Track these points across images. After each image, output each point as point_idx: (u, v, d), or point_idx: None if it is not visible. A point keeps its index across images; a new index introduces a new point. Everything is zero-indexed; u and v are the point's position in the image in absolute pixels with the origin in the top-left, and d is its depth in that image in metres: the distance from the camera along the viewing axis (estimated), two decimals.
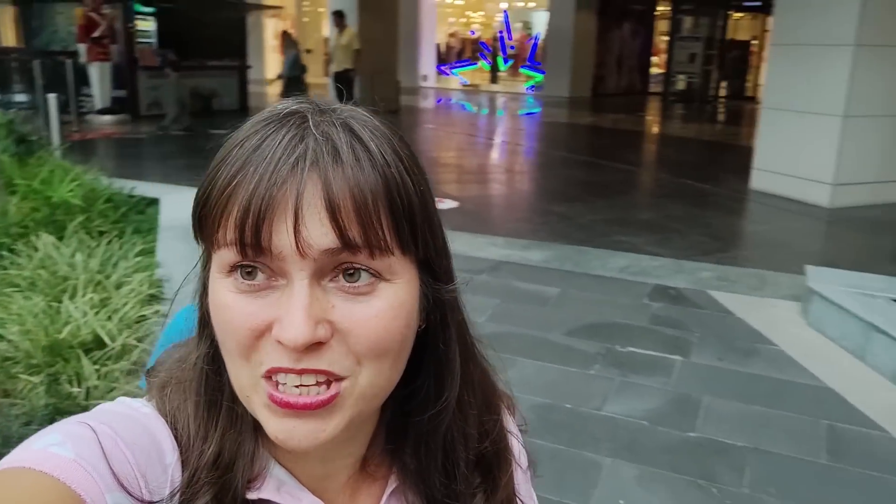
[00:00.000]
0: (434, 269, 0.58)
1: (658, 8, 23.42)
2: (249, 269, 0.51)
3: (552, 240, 6.03)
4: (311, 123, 0.52)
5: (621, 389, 3.59)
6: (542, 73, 22.34)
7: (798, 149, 7.65)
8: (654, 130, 15.42)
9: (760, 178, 8.14)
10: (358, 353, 0.52)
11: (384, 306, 0.52)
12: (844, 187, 7.39)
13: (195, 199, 0.55)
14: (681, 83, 20.83)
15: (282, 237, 0.49)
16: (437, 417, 0.62)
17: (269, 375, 0.51)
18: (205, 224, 0.54)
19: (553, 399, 3.47)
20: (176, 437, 0.57)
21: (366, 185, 0.51)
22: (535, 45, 24.33)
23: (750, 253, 6.14)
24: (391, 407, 0.62)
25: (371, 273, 0.52)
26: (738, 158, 9.75)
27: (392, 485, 0.65)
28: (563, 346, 4.03)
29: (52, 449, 0.48)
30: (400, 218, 0.53)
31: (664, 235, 6.26)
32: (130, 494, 0.50)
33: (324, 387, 0.51)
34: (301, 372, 0.50)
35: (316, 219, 0.49)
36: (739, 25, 22.51)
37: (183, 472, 0.55)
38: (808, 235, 6.70)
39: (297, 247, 0.49)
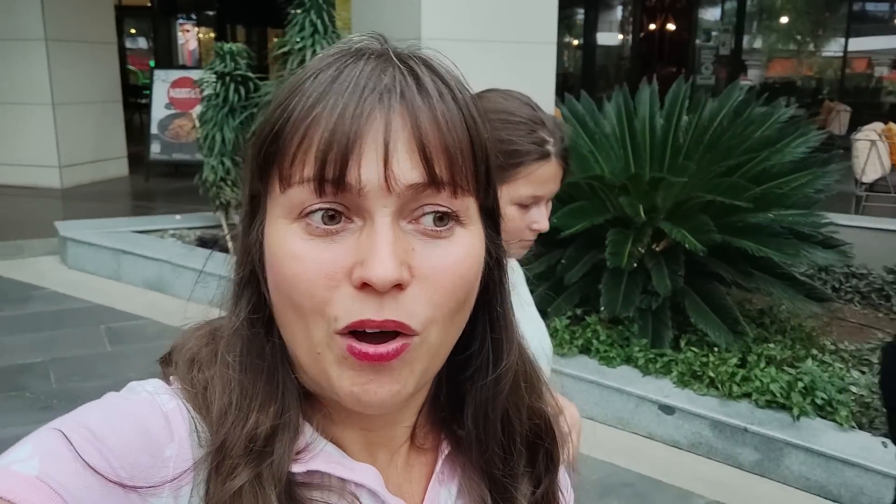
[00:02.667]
0: (495, 220, 0.56)
1: None
2: (331, 213, 0.48)
3: None
4: (392, 55, 0.50)
5: None
6: None
7: (19, 139, 8.11)
8: None
9: None
10: (435, 303, 0.49)
11: (462, 252, 0.50)
12: (70, 168, 8.24)
13: (258, 138, 0.51)
14: None
15: (370, 170, 0.46)
16: (497, 384, 0.58)
17: (347, 331, 0.48)
18: (271, 162, 0.50)
19: None
20: (204, 418, 0.52)
21: (451, 122, 0.49)
22: None
23: (28, 240, 6.44)
24: (443, 373, 0.58)
25: (451, 216, 0.49)
26: None
27: (444, 451, 0.61)
28: None
29: (14, 466, 0.43)
30: (479, 159, 0.51)
31: None
32: (118, 485, 0.46)
33: (398, 338, 0.48)
34: (383, 325, 0.47)
35: (405, 153, 0.47)
36: None
37: (209, 450, 0.50)
38: (49, 210, 7.33)
39: (386, 180, 0.46)
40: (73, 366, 3.71)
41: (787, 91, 12.77)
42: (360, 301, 0.47)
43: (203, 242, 5.16)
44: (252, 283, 0.54)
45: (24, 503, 0.41)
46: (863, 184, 6.19)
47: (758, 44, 13.30)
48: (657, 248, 3.85)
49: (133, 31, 20.52)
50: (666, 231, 3.58)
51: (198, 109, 5.27)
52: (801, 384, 3.34)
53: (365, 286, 0.46)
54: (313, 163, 0.47)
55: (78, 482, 0.44)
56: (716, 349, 3.60)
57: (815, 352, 3.77)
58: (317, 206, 0.47)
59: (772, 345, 3.74)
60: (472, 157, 0.50)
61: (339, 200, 0.47)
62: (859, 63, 12.50)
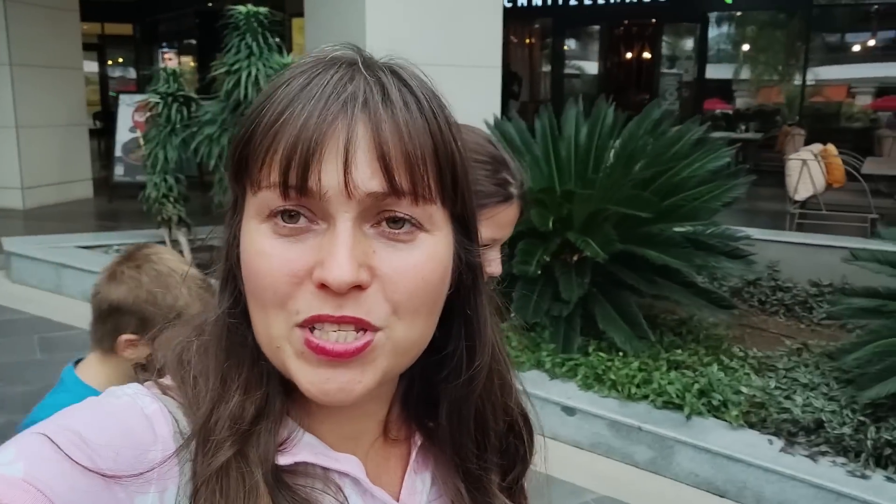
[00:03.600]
0: (467, 227, 0.57)
1: None
2: (292, 213, 0.49)
3: None
4: (360, 65, 0.52)
5: None
6: None
7: None
8: None
9: None
10: (395, 303, 0.50)
11: (423, 256, 0.51)
12: (33, 190, 8.37)
13: (235, 141, 0.53)
14: None
15: (330, 176, 0.48)
16: (470, 383, 0.60)
17: (306, 325, 0.49)
18: (244, 165, 0.52)
19: None
20: (194, 410, 0.53)
21: (414, 131, 0.50)
22: None
23: None
24: (418, 373, 0.61)
25: (412, 222, 0.51)
26: None
27: (417, 443, 0.64)
28: None
29: (0, 470, 0.44)
30: (444, 167, 0.52)
31: None
32: (113, 477, 0.47)
33: (360, 333, 0.50)
34: (340, 320, 0.49)
35: (365, 161, 0.48)
36: None
37: (194, 429, 0.52)
38: (6, 230, 7.45)
39: (346, 187, 0.48)
40: (1, 373, 3.82)
41: (748, 116, 13.10)
42: (321, 298, 0.49)
43: None
44: (231, 277, 0.56)
45: None
46: (795, 201, 6.39)
47: (722, 72, 13.62)
48: (571, 259, 4.02)
49: (121, 59, 20.82)
50: (571, 240, 3.74)
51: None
52: (696, 386, 3.49)
53: (324, 286, 0.48)
54: (278, 168, 0.48)
55: (64, 483, 0.44)
56: (620, 353, 3.75)
57: (722, 358, 3.92)
58: (281, 207, 0.49)
59: (679, 350, 3.90)
60: (437, 166, 0.51)
61: (303, 203, 0.49)
62: (817, 91, 12.84)
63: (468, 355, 0.60)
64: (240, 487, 0.50)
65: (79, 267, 4.89)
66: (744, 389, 3.51)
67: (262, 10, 4.54)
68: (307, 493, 0.54)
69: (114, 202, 8.72)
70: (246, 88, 4.33)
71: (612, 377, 3.59)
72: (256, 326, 0.53)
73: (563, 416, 3.54)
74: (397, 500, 0.62)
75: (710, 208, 3.99)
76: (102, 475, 0.46)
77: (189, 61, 19.47)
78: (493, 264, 1.10)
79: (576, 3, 13.27)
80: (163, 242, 5.46)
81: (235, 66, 4.51)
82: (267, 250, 0.50)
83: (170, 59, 21.24)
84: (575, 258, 4.02)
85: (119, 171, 8.66)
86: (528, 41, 15.67)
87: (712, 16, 13.02)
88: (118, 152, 8.68)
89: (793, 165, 6.22)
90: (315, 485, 0.55)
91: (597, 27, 14.41)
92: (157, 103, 4.89)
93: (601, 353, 3.78)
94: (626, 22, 14.36)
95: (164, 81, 4.93)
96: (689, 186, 4.11)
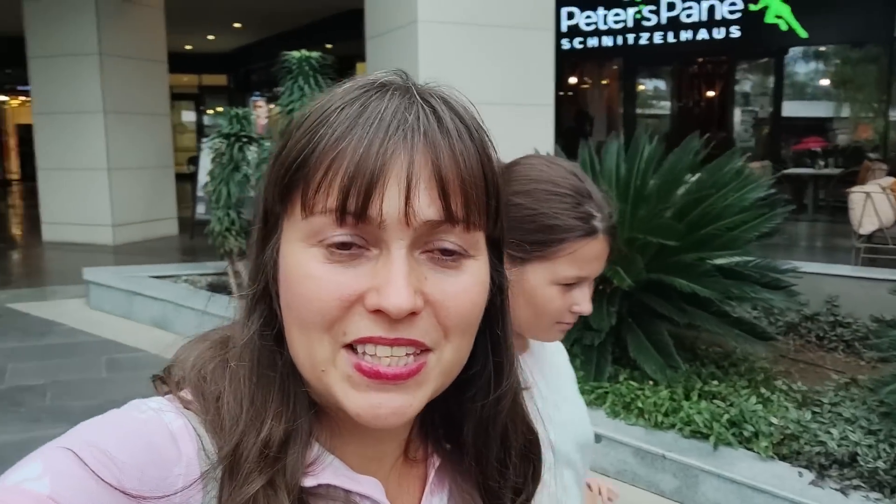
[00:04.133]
0: (500, 249, 0.59)
1: None
2: (349, 241, 0.49)
3: None
4: (415, 93, 0.52)
5: None
6: None
7: (78, 200, 8.96)
8: None
9: (50, 231, 9.17)
10: (446, 327, 0.51)
11: (471, 281, 0.52)
12: (122, 227, 9.01)
13: (285, 162, 0.52)
14: None
15: (390, 204, 0.48)
16: (498, 403, 0.61)
17: (354, 346, 0.49)
18: (294, 188, 0.51)
19: None
20: (215, 430, 0.53)
21: (469, 160, 0.51)
22: None
23: (45, 279, 7.13)
24: (444, 391, 0.58)
25: (461, 253, 0.51)
26: (33, 222, 10.52)
27: (435, 464, 0.64)
28: None
29: (26, 485, 0.44)
30: (491, 194, 0.53)
31: None
32: (137, 497, 0.47)
33: (412, 357, 0.50)
34: (394, 342, 0.49)
35: (425, 189, 0.49)
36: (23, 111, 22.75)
37: (221, 455, 0.51)
38: (97, 262, 8.03)
39: (406, 215, 0.48)
40: (68, 388, 4.15)
41: (829, 152, 12.69)
42: (372, 322, 0.49)
43: (211, 287, 5.64)
44: (265, 298, 0.55)
45: None
46: (860, 235, 6.19)
47: (799, 108, 13.29)
48: (603, 288, 4.05)
49: (219, 108, 22.20)
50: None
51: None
52: (726, 416, 3.44)
53: (379, 312, 0.48)
54: (337, 194, 0.48)
55: (89, 501, 0.44)
56: (652, 383, 3.74)
57: (762, 390, 3.85)
58: (338, 238, 0.49)
59: (715, 382, 3.85)
60: (486, 192, 0.52)
61: (358, 232, 0.49)
62: None
63: (496, 375, 0.61)
64: None
65: (148, 294, 5.27)
66: (774, 420, 3.44)
67: (315, 54, 4.85)
68: None
69: (195, 238, 9.26)
70: None
71: (640, 405, 3.58)
72: (297, 350, 0.52)
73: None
74: None
75: (745, 238, 3.96)
76: (127, 494, 0.46)
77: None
78: (584, 303, 1.04)
79: (646, 42, 13.29)
80: (226, 274, 5.81)
81: (290, 107, 4.82)
82: (316, 274, 0.49)
83: (259, 106, 22.45)
84: (607, 288, 4.05)
85: (200, 209, 9.22)
86: (600, 81, 15.74)
87: (789, 51, 12.77)
88: (199, 192, 9.24)
89: (856, 199, 6.05)
90: None
91: (669, 66, 14.35)
92: (222, 142, 5.25)
93: (632, 382, 3.78)
94: (699, 60, 14.25)
95: (229, 123, 5.30)
96: (725, 216, 4.09)
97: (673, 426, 3.47)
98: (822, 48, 12.99)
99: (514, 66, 6.44)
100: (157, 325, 5.21)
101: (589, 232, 1.02)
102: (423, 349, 0.51)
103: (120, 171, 8.96)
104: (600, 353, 3.91)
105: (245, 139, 5.36)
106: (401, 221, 0.48)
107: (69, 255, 8.32)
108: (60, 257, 8.29)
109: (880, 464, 3.08)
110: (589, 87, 15.67)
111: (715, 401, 3.61)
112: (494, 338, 0.60)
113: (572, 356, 3.96)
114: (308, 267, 0.50)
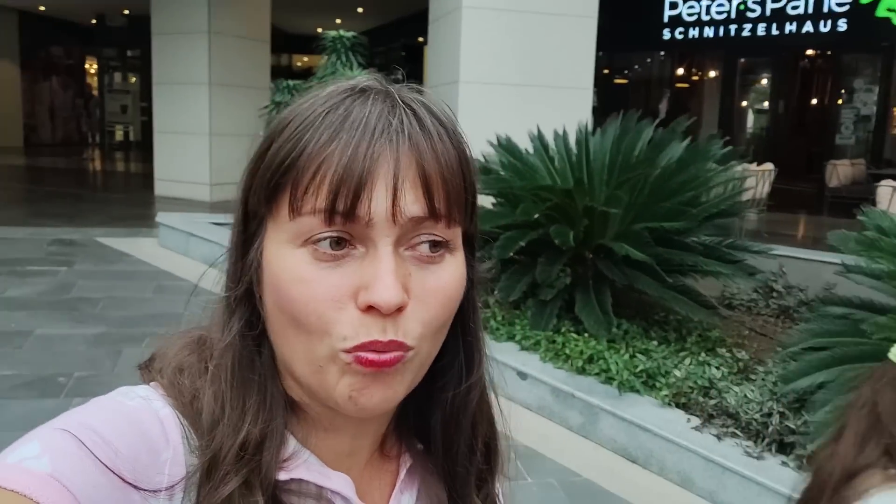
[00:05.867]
0: (474, 245, 0.61)
1: (87, 63, 24.56)
2: (339, 240, 0.51)
3: None
4: (396, 97, 0.54)
5: (20, 286, 5.28)
6: None
7: (184, 161, 10.15)
8: (90, 168, 16.74)
9: (161, 186, 10.44)
10: (425, 322, 0.53)
11: (449, 276, 0.54)
12: (219, 186, 10.12)
13: (271, 166, 0.53)
14: (118, 132, 22.49)
15: (378, 204, 0.50)
16: (468, 393, 0.62)
17: (354, 351, 0.51)
18: (280, 190, 0.53)
19: None
20: (193, 424, 0.54)
21: (450, 159, 0.53)
22: None
23: (135, 223, 8.27)
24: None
25: (443, 244, 0.54)
26: (149, 178, 11.98)
27: (407, 463, 0.65)
28: None
29: (26, 463, 0.45)
30: (469, 191, 0.56)
31: (80, 220, 8.03)
32: (132, 485, 0.48)
33: (396, 350, 0.52)
34: (388, 344, 0.51)
35: (410, 188, 0.51)
36: None
37: (198, 460, 0.53)
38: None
39: (393, 213, 0.50)
40: (116, 302, 5.08)
41: None
42: (366, 323, 0.51)
43: None
44: (246, 300, 0.56)
45: (41, 499, 0.43)
46: None
47: None
48: (558, 251, 4.47)
49: None
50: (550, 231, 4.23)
51: None
52: (640, 367, 3.82)
53: (370, 309, 0.50)
54: (325, 195, 0.50)
55: (87, 481, 0.45)
56: (593, 339, 4.14)
57: (703, 356, 4.15)
58: (325, 235, 0.51)
59: (655, 342, 4.20)
60: (464, 189, 0.55)
61: (345, 230, 0.51)
62: None
63: (467, 366, 0.62)
64: None
65: (202, 236, 6.19)
66: (678, 373, 3.77)
67: (348, 33, 5.50)
68: None
69: None
70: None
71: (568, 352, 4.01)
72: (294, 348, 0.54)
73: (518, 380, 4.02)
74: None
75: (694, 213, 4.24)
76: (122, 479, 0.47)
77: None
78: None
79: (749, 34, 13.03)
80: None
81: (323, 81, 5.50)
82: (308, 276, 0.51)
83: None
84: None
85: None
86: (700, 73, 15.52)
87: None
88: None
89: (882, 192, 6.02)
90: None
91: (771, 59, 13.97)
92: (272, 110, 6.04)
93: (574, 335, 4.20)
94: (802, 53, 13.78)
95: (279, 92, 6.07)
96: (682, 192, 4.39)
97: (596, 374, 3.88)
98: None
99: (554, 50, 6.81)
100: (206, 262, 6.09)
101: None
102: (405, 349, 0.52)
103: (219, 136, 10.07)
104: (549, 307, 4.34)
105: None
106: (388, 219, 0.50)
107: (171, 206, 9.50)
108: (162, 208, 9.50)
109: (756, 416, 3.38)
110: (689, 79, 15.49)
111: (638, 355, 3.97)
112: (466, 329, 0.62)
113: (526, 308, 4.44)
114: (298, 270, 0.51)
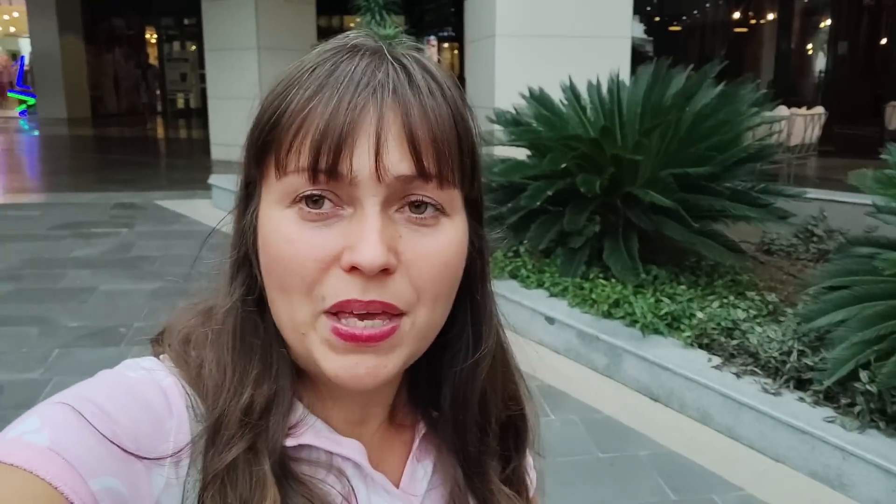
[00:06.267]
0: (479, 211, 0.59)
1: (147, 34, 25.21)
2: (317, 198, 0.50)
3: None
4: (386, 52, 0.52)
5: (85, 246, 5.67)
6: (34, 96, 22.26)
7: (237, 125, 10.39)
8: (152, 136, 17.38)
9: (217, 150, 10.86)
10: (419, 288, 0.51)
11: (446, 241, 0.52)
12: None
13: (258, 125, 0.53)
14: (179, 100, 23.17)
15: (361, 161, 0.48)
16: (476, 367, 0.61)
17: (333, 311, 0.50)
18: (268, 150, 0.52)
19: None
20: (199, 393, 0.54)
21: (440, 117, 0.51)
22: (22, 69, 23.97)
23: (192, 185, 8.63)
24: (424, 357, 0.58)
25: (436, 206, 0.52)
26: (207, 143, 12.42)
27: (421, 431, 0.65)
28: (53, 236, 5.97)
29: (25, 438, 0.45)
30: (465, 153, 0.53)
31: (141, 184, 8.47)
32: (134, 455, 0.48)
33: (386, 319, 0.50)
34: (368, 305, 0.49)
35: (395, 145, 0.49)
36: None
37: (206, 424, 0.52)
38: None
39: (377, 171, 0.48)
40: (172, 260, 5.42)
41: None
42: (348, 283, 0.49)
43: None
44: (246, 264, 0.56)
45: (41, 472, 0.42)
46: None
47: None
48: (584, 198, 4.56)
49: None
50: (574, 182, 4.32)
51: None
52: (665, 310, 3.91)
53: (353, 269, 0.49)
54: (308, 152, 0.49)
55: (88, 453, 0.45)
56: (613, 281, 4.25)
57: (732, 298, 4.21)
58: (309, 191, 0.49)
59: (683, 286, 4.27)
60: (459, 150, 0.52)
61: (330, 188, 0.49)
62: None
63: (474, 339, 0.61)
64: (248, 480, 0.51)
65: None
66: (700, 315, 3.85)
67: None
68: (313, 482, 0.55)
69: None
70: None
71: (594, 297, 4.13)
72: (279, 313, 0.53)
73: (546, 325, 4.17)
74: (398, 487, 0.62)
75: (721, 158, 4.26)
76: (123, 450, 0.47)
77: (448, 47, 21.48)
78: None
79: None
80: None
81: None
82: (293, 236, 0.50)
83: (433, 45, 23.64)
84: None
85: None
86: (755, 18, 14.99)
87: None
88: None
89: None
90: (318, 473, 0.56)
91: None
92: None
93: (603, 281, 4.31)
94: None
95: None
96: (711, 137, 4.41)
97: (618, 316, 4.00)
98: None
99: (590, 0, 6.77)
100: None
101: None
102: (397, 313, 0.51)
103: None
104: (578, 254, 4.46)
105: None
106: (372, 177, 0.49)
107: (227, 169, 9.87)
108: (218, 171, 9.88)
109: (776, 354, 3.45)
110: (747, 23, 14.99)
111: (664, 299, 4.06)
112: (474, 301, 0.61)
113: (555, 257, 4.56)
114: (284, 230, 0.50)
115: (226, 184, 6.91)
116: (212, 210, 6.91)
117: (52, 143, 15.06)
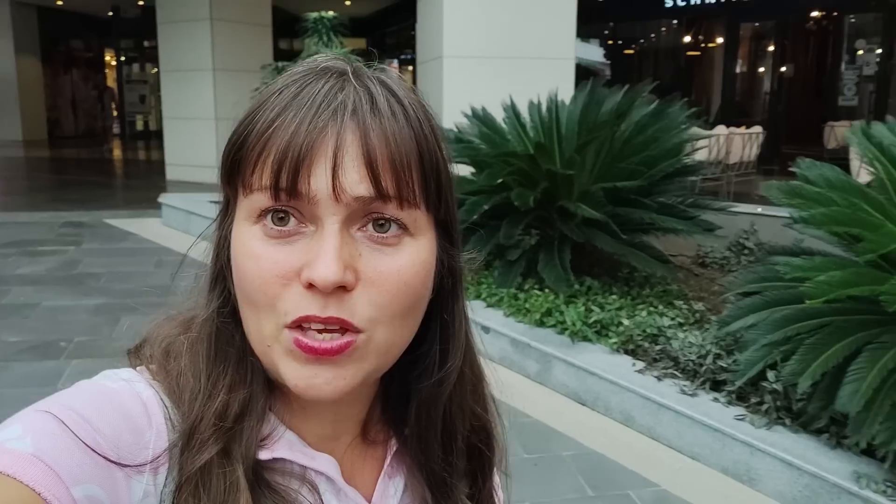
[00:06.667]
0: (451, 232, 0.60)
1: (107, 56, 25.04)
2: (281, 215, 0.51)
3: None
4: (350, 76, 0.54)
5: (31, 264, 5.67)
6: None
7: (192, 145, 10.52)
8: (108, 157, 17.23)
9: (171, 170, 10.85)
10: (377, 306, 0.52)
11: (407, 261, 0.53)
12: None
13: (228, 145, 0.55)
14: (139, 122, 23.04)
15: (319, 180, 0.50)
16: (440, 385, 0.62)
17: (294, 325, 0.51)
18: (237, 169, 0.54)
19: None
20: (177, 404, 0.55)
21: (400, 139, 0.52)
22: None
23: (142, 204, 8.61)
24: (394, 373, 0.60)
25: (398, 225, 0.53)
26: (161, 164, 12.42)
27: (393, 448, 0.65)
28: None
29: (8, 444, 0.45)
30: (428, 174, 0.54)
31: (92, 204, 8.45)
32: (115, 463, 0.49)
33: (344, 334, 0.51)
34: (326, 321, 0.50)
35: (353, 166, 0.50)
36: None
37: (182, 429, 0.53)
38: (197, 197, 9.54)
39: (334, 191, 0.50)
40: (119, 276, 5.45)
41: None
42: (308, 299, 0.50)
43: None
44: (221, 278, 0.58)
45: (24, 478, 0.43)
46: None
47: None
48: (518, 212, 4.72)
49: None
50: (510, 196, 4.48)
51: None
52: (594, 318, 4.07)
53: (312, 286, 0.50)
54: (270, 172, 0.50)
55: (70, 461, 0.46)
56: (546, 291, 4.40)
57: (660, 307, 4.39)
58: (272, 206, 0.51)
59: (614, 296, 4.44)
60: (421, 172, 0.53)
61: (293, 206, 0.51)
62: None
63: (441, 357, 0.61)
64: (221, 483, 0.52)
65: (201, 214, 6.54)
66: (627, 322, 4.02)
67: (329, 14, 5.76)
68: (286, 491, 0.56)
69: None
70: None
71: (528, 307, 4.28)
72: (248, 326, 0.54)
73: (482, 334, 4.30)
74: (369, 502, 0.63)
75: (649, 172, 4.46)
76: (105, 457, 0.48)
77: (412, 70, 21.70)
78: None
79: None
80: None
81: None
82: (257, 252, 0.51)
83: (394, 67, 23.88)
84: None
85: None
86: (701, 40, 15.49)
87: None
88: None
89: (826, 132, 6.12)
90: (292, 483, 0.57)
91: (773, 22, 13.92)
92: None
93: (536, 291, 4.46)
94: (807, 14, 13.71)
95: (269, 74, 6.35)
96: (639, 153, 4.61)
97: (550, 325, 4.15)
98: None
99: (535, 23, 6.99)
100: (205, 238, 6.47)
101: None
102: (353, 329, 0.51)
103: (226, 120, 10.37)
104: (514, 266, 4.61)
105: None
106: (330, 197, 0.50)
107: (180, 189, 9.88)
108: (172, 191, 9.89)
109: (693, 357, 3.62)
110: (697, 46, 15.47)
111: (594, 308, 4.23)
112: (443, 321, 0.61)
113: (493, 269, 4.70)
114: (249, 246, 0.52)
115: (176, 202, 6.96)
116: (161, 228, 6.96)
117: (5, 165, 14.91)
